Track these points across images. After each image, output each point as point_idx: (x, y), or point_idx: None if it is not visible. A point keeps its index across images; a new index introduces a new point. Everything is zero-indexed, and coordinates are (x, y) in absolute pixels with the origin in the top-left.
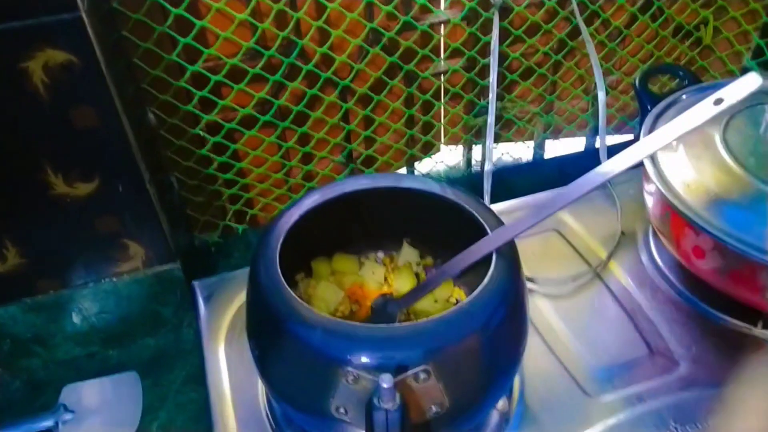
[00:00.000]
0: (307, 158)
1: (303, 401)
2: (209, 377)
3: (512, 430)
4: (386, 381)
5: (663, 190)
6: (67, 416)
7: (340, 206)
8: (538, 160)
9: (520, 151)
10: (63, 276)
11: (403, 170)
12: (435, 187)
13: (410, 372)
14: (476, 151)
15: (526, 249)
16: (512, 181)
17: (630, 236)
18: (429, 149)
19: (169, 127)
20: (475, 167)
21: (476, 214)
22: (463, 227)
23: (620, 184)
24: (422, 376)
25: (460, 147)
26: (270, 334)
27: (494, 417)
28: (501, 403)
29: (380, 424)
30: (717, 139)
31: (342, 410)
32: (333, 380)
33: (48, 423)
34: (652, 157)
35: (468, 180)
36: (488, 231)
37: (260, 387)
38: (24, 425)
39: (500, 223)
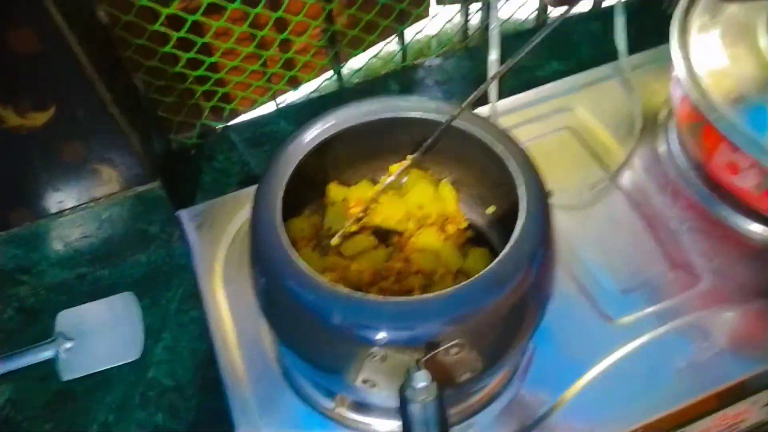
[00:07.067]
0: (285, 45)
1: (324, 371)
2: (212, 325)
3: (530, 361)
4: (421, 380)
5: (698, 102)
6: (67, 344)
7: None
8: (542, 25)
9: (521, 13)
10: (35, 207)
11: (394, 46)
12: (435, 114)
13: (442, 348)
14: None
15: (536, 153)
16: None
17: (650, 131)
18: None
19: (125, 25)
20: (472, 31)
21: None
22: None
23: (640, 68)
24: (454, 350)
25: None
26: (284, 310)
27: None
28: None
29: (418, 419)
30: (761, 30)
31: (369, 383)
32: (358, 358)
33: (48, 353)
34: (685, 57)
35: (467, 56)
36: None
37: (267, 332)
38: (23, 357)
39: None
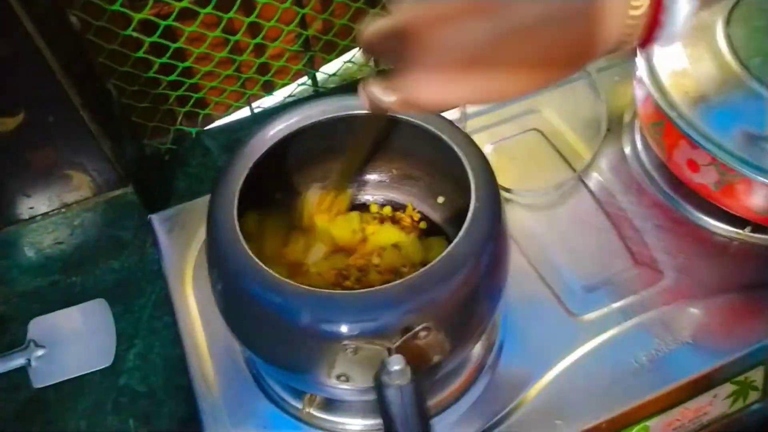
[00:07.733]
0: (259, 50)
1: (295, 371)
2: (182, 330)
3: (497, 359)
4: (396, 363)
5: (659, 100)
6: (39, 352)
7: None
8: None
9: None
10: (6, 213)
11: None
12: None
13: (411, 333)
14: None
15: (504, 154)
16: None
17: (615, 132)
18: None
19: (97, 30)
20: None
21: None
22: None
23: (606, 70)
24: (423, 333)
25: None
26: (247, 314)
27: (478, 347)
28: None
29: (395, 402)
30: (719, 31)
31: (343, 378)
32: (331, 354)
33: (19, 361)
34: (647, 58)
35: None
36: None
37: None
38: None
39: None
